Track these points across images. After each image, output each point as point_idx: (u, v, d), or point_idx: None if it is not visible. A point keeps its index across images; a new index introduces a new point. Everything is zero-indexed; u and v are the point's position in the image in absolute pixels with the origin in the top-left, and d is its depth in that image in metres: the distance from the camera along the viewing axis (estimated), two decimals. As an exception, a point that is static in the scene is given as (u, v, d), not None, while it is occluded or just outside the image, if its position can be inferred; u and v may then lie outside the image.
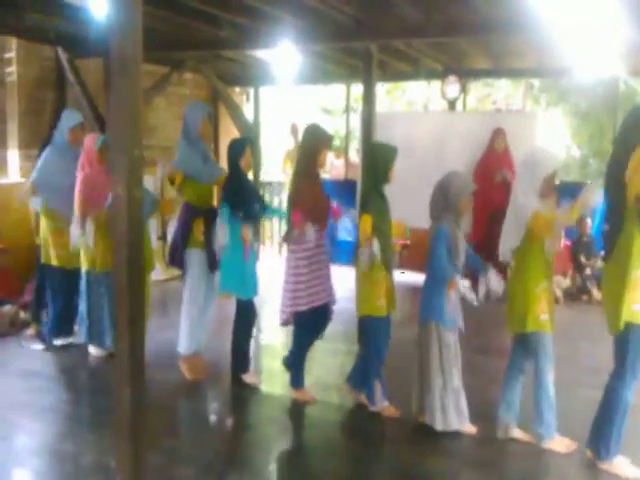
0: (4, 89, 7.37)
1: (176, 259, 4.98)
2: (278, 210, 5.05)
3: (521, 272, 3.85)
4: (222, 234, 4.53)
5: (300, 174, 4.50)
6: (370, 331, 4.36)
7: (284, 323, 4.61)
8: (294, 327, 4.62)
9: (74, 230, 5.20)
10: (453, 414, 4.06)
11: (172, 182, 4.97)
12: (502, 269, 4.24)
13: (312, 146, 4.46)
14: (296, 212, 4.38)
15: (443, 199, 4.06)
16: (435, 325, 4.07)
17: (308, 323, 4.54)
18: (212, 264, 4.86)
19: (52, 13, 6.37)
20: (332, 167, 11.14)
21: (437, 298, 4.05)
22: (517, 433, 4.02)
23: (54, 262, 5.57)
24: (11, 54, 7.36)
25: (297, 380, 4.64)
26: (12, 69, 7.38)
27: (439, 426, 4.05)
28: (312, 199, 4.42)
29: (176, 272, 5.45)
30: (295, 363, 4.64)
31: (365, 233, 4.19)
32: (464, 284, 4.08)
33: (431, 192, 4.16)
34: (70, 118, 5.66)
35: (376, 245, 4.16)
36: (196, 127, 4.92)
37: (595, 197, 3.60)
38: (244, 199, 4.65)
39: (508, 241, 3.88)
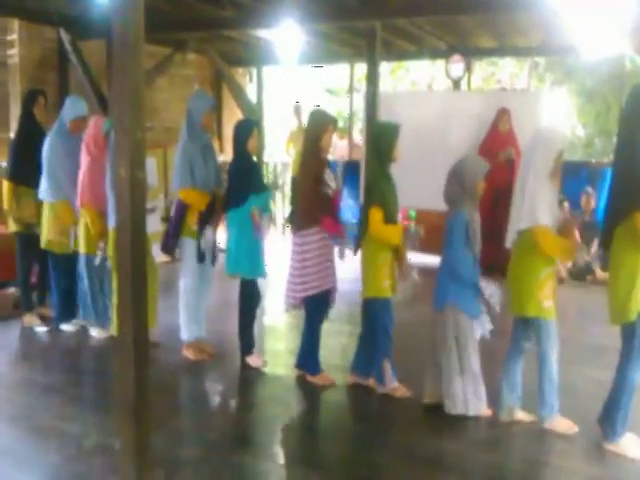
0: (6, 71, 7.35)
1: (168, 247, 5.01)
2: (267, 207, 5.01)
3: (525, 257, 3.81)
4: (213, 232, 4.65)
5: (306, 158, 4.50)
6: (377, 312, 4.34)
7: (292, 308, 4.60)
8: (306, 313, 4.59)
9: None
10: (472, 399, 4.04)
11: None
12: (503, 265, 4.21)
13: (316, 130, 4.45)
14: (327, 223, 4.42)
15: (459, 185, 4.00)
16: (452, 310, 4.03)
17: (318, 307, 4.54)
18: (201, 255, 4.88)
19: (54, -6, 6.34)
20: (336, 148, 11.10)
21: (451, 284, 4.01)
22: (521, 415, 4.03)
23: (55, 248, 5.57)
24: (13, 36, 7.33)
25: (315, 367, 4.64)
26: (14, 51, 7.35)
27: (454, 410, 4.03)
28: (316, 187, 4.40)
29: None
30: (310, 350, 4.62)
31: (378, 231, 4.19)
32: (489, 287, 4.04)
33: (441, 174, 4.12)
34: (73, 108, 5.55)
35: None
36: (200, 119, 4.88)
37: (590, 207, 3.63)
38: (252, 183, 4.65)
39: (517, 224, 3.83)
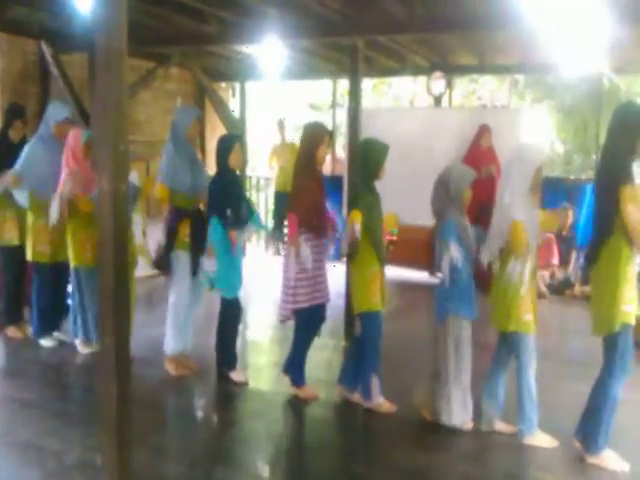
0: (-13, 83, 7.30)
1: (160, 262, 5.00)
2: (262, 225, 5.02)
3: (504, 272, 3.84)
4: (211, 263, 4.60)
5: (300, 172, 4.49)
6: (367, 326, 4.34)
7: (283, 320, 4.59)
8: (295, 325, 4.59)
9: (52, 212, 5.16)
10: (458, 410, 4.05)
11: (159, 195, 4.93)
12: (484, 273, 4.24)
13: (311, 142, 4.45)
14: (292, 220, 4.36)
15: (445, 194, 4.04)
16: (453, 319, 4.04)
17: (309, 320, 4.54)
18: (195, 268, 4.85)
19: (36, 7, 6.34)
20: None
21: (452, 293, 4.02)
22: (500, 426, 4.05)
23: (41, 259, 5.50)
24: (-6, 48, 7.30)
25: (299, 378, 4.62)
26: (-5, 63, 7.30)
27: (447, 421, 4.05)
28: (311, 200, 4.39)
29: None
30: (297, 361, 4.61)
31: (352, 225, 4.19)
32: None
33: (422, 190, 4.16)
34: (57, 112, 5.55)
35: (357, 227, 4.16)
36: (185, 131, 4.89)
37: (568, 222, 3.67)
38: (231, 200, 4.64)
39: (494, 243, 3.88)
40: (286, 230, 4.76)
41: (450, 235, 4.00)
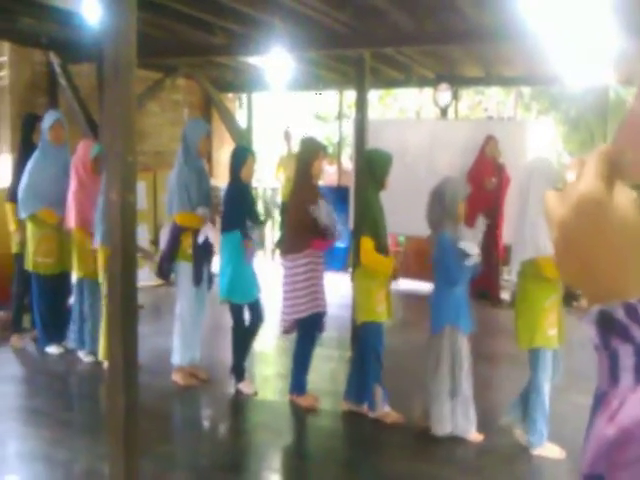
0: (-4, 93, 7.35)
1: (163, 271, 5.02)
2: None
3: (529, 288, 3.85)
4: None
5: (297, 187, 4.59)
6: (370, 337, 4.35)
7: (285, 331, 4.63)
8: (297, 335, 4.62)
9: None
10: (461, 421, 4.04)
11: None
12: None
13: (306, 157, 4.55)
14: (317, 244, 4.46)
15: (440, 206, 4.06)
16: (449, 331, 4.03)
17: (310, 330, 4.57)
18: (197, 278, 4.87)
19: (45, 18, 6.37)
20: (325, 174, 11.16)
21: (449, 304, 4.02)
22: (517, 433, 4.03)
23: (41, 270, 5.53)
24: (3, 58, 7.35)
25: (301, 387, 4.63)
26: (4, 73, 7.36)
27: (439, 431, 4.02)
28: (307, 217, 4.44)
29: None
30: (299, 370, 4.62)
31: (370, 260, 4.20)
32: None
33: (426, 201, 4.17)
34: (47, 118, 5.63)
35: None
36: (196, 146, 4.94)
37: None
38: (248, 210, 4.71)
39: (520, 255, 3.86)
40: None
41: (446, 249, 4.00)
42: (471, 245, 3.99)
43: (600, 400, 0.57)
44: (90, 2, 5.39)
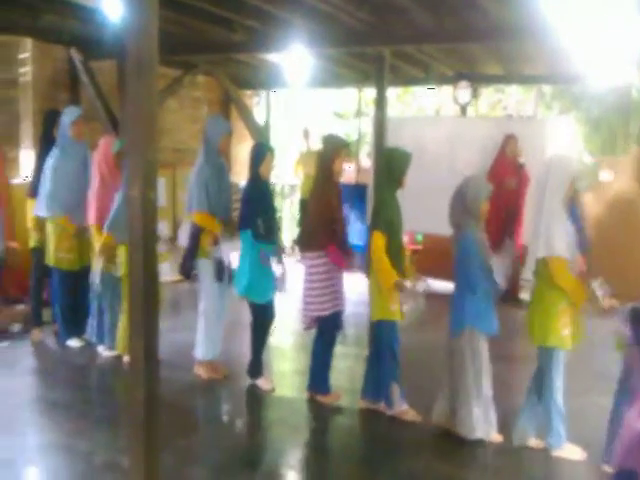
0: (18, 89, 7.43)
1: (185, 269, 5.06)
2: (277, 252, 5.11)
3: (545, 287, 3.82)
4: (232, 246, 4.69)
5: (318, 184, 4.58)
6: (385, 335, 4.35)
7: (307, 328, 4.64)
8: (317, 333, 4.62)
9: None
10: (482, 423, 4.03)
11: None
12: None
13: (328, 154, 4.54)
14: (333, 251, 4.44)
15: (462, 206, 4.05)
16: (469, 332, 4.02)
17: (331, 328, 4.57)
18: (219, 274, 4.90)
19: (67, 15, 6.43)
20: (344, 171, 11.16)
21: (470, 304, 4.01)
22: (533, 442, 4.00)
23: (63, 265, 5.59)
24: (26, 54, 7.42)
25: (324, 387, 4.64)
26: (27, 69, 7.43)
27: (468, 434, 4.01)
28: (330, 218, 4.46)
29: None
30: (321, 370, 4.63)
31: (379, 256, 4.20)
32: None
33: (445, 201, 4.16)
34: (70, 113, 5.66)
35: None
36: (216, 144, 4.96)
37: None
38: (262, 210, 4.72)
39: (535, 253, 3.84)
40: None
41: (469, 249, 3.99)
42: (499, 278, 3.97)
43: (627, 394, 0.57)
44: (112, -1, 5.44)
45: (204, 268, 4.94)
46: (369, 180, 8.30)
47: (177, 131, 9.36)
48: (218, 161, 5.02)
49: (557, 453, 3.88)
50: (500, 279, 4.01)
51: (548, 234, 3.73)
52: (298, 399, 4.73)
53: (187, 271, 5.07)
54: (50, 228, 5.57)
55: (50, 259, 5.61)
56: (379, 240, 4.25)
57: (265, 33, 6.70)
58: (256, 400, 4.74)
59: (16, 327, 5.96)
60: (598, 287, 3.60)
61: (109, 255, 5.28)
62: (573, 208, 3.92)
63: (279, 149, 13.85)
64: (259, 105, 11.49)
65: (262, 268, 4.75)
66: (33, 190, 5.77)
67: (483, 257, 4.02)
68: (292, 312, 6.85)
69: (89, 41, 7.23)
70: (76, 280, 5.63)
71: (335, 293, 4.51)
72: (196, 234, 4.92)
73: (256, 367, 4.89)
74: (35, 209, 5.63)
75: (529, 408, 4.00)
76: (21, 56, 7.43)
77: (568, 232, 3.77)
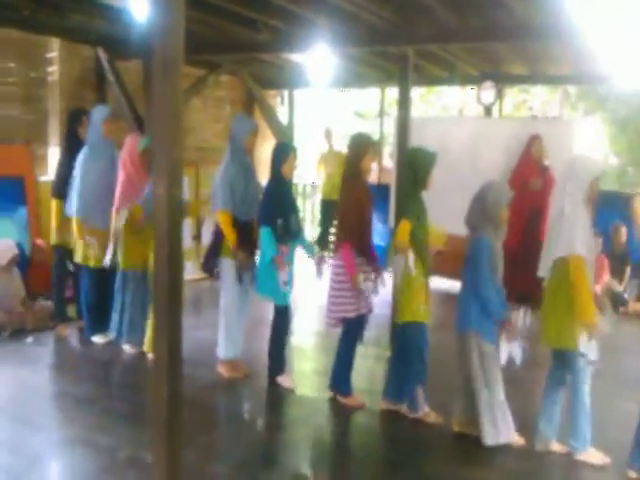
0: (46, 87, 7.53)
1: (207, 266, 5.10)
2: (308, 245, 5.12)
3: (562, 287, 3.78)
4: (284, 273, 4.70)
5: (347, 183, 4.55)
6: (413, 337, 4.32)
7: (331, 328, 4.64)
8: (342, 334, 4.61)
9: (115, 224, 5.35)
10: (502, 427, 4.00)
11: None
12: (537, 291, 4.19)
13: (356, 153, 4.51)
14: (347, 251, 4.39)
15: (481, 210, 4.02)
16: (475, 337, 4.00)
17: (355, 329, 4.56)
18: (240, 276, 4.91)
19: (94, 15, 6.50)
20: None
21: (476, 309, 3.99)
22: (556, 446, 3.97)
23: (91, 263, 5.65)
24: (54, 54, 7.53)
25: (346, 388, 4.63)
26: (54, 68, 7.54)
27: (490, 441, 3.98)
28: (360, 218, 4.44)
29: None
30: (343, 370, 4.62)
31: (403, 240, 4.19)
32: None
33: (468, 202, 4.13)
34: (101, 112, 5.73)
35: (411, 258, 4.17)
36: (242, 141, 4.96)
37: (621, 238, 3.62)
38: (282, 209, 4.70)
39: (552, 252, 3.81)
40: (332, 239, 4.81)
41: (481, 252, 3.96)
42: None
43: None
44: (138, -1, 5.49)
45: (226, 267, 4.96)
46: (391, 180, 8.27)
47: (201, 130, 9.42)
48: (244, 160, 5.02)
49: (581, 457, 3.84)
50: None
51: (569, 233, 3.70)
52: (319, 398, 4.74)
53: (210, 268, 5.09)
54: (78, 226, 5.63)
55: (78, 257, 5.68)
56: (406, 225, 4.22)
57: (289, 33, 6.71)
58: (277, 399, 4.76)
59: (41, 323, 6.03)
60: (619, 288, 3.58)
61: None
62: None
63: (301, 149, 13.92)
64: (282, 105, 11.51)
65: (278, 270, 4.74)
66: (56, 189, 5.85)
67: (493, 265, 3.97)
68: (314, 312, 6.88)
69: (115, 41, 7.31)
70: (103, 276, 5.69)
71: (360, 295, 4.48)
72: (220, 232, 4.94)
73: (277, 365, 4.90)
74: (66, 208, 5.68)
75: (547, 410, 3.97)
76: (49, 55, 7.53)
77: (588, 232, 3.73)
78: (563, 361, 3.90)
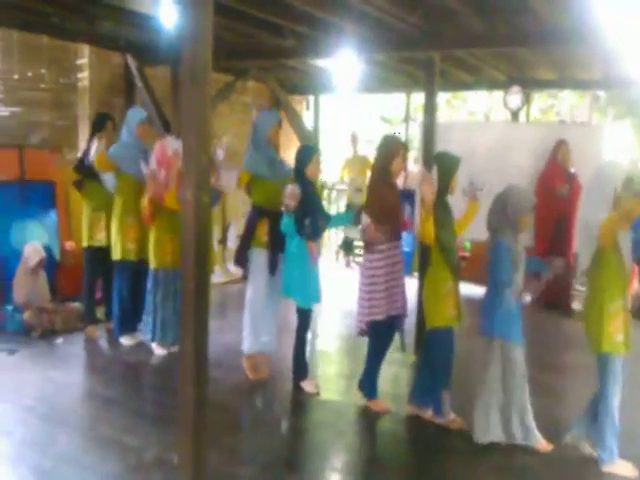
0: (77, 93, 7.67)
1: (239, 258, 5.07)
2: (343, 217, 5.12)
3: (595, 291, 3.77)
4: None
5: (374, 183, 4.56)
6: (440, 342, 4.29)
7: (361, 333, 4.59)
8: (370, 337, 4.59)
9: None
10: (517, 430, 3.99)
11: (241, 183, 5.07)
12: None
13: (386, 155, 4.52)
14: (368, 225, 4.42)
15: (501, 213, 4.01)
16: (499, 341, 3.99)
17: (385, 333, 4.54)
18: (273, 266, 4.91)
19: (123, 22, 6.61)
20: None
21: (500, 314, 3.97)
22: (586, 448, 3.94)
23: (131, 256, 5.72)
24: (84, 60, 7.67)
25: (372, 391, 4.63)
26: (84, 74, 7.68)
27: (485, 439, 4.01)
28: (387, 206, 4.45)
29: (237, 275, 5.55)
30: (370, 374, 4.62)
31: (428, 229, 4.18)
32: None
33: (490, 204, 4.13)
34: (137, 114, 5.84)
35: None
36: (265, 133, 4.99)
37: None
38: (309, 209, 4.68)
39: (588, 250, 3.80)
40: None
41: (501, 255, 3.94)
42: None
43: None
44: (167, 6, 5.57)
45: (256, 257, 4.94)
46: (416, 185, 8.26)
47: (227, 135, 9.48)
48: (269, 153, 5.00)
49: (608, 469, 3.78)
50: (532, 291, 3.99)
51: (593, 224, 3.69)
52: (344, 403, 4.75)
53: (242, 261, 5.04)
54: (117, 219, 5.72)
55: (117, 253, 5.74)
56: (429, 224, 4.21)
57: (315, 39, 6.75)
58: (301, 402, 4.78)
59: (70, 324, 6.13)
60: None
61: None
62: None
63: (327, 154, 13.95)
64: (308, 110, 11.57)
65: (307, 271, 4.73)
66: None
67: (514, 267, 3.95)
68: (339, 316, 6.89)
69: (144, 48, 7.42)
70: (137, 275, 5.76)
71: (393, 296, 4.45)
72: (253, 222, 4.94)
73: (299, 369, 4.92)
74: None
75: (585, 419, 3.93)
76: (79, 62, 7.68)
77: (623, 241, 3.70)
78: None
